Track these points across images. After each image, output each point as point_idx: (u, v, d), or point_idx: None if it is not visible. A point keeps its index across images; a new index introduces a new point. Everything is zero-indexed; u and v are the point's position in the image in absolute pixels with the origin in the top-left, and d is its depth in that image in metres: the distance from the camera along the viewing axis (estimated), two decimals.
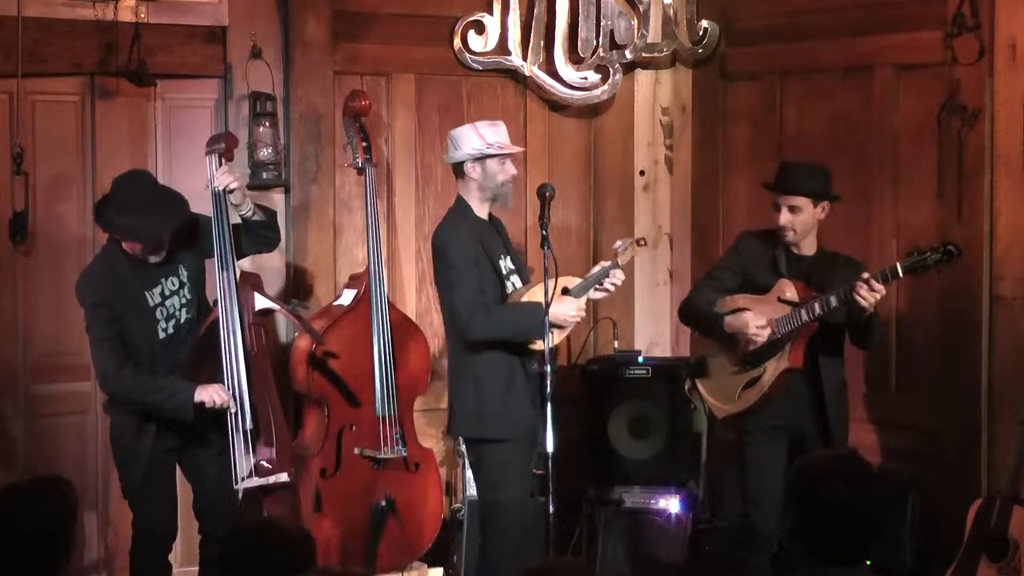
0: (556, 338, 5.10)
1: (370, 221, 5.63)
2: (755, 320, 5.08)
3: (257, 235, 5.19)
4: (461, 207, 5.17)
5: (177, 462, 5.12)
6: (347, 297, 5.57)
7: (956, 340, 5.54)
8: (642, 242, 5.36)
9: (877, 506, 3.19)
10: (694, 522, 5.90)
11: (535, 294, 4.98)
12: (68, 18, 5.51)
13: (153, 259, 4.96)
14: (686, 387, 5.89)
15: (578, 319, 5.11)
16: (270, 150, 5.80)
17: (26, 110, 5.52)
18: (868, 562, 3.24)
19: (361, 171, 5.68)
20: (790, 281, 5.09)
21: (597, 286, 5.14)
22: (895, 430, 5.83)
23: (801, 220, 5.08)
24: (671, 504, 5.91)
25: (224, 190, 5.03)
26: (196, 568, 5.30)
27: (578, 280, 5.16)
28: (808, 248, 5.17)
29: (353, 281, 5.64)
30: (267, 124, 5.78)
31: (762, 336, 5.06)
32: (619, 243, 5.24)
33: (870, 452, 5.73)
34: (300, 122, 5.90)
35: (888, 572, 5.39)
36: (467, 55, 6.27)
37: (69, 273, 5.64)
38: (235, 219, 5.14)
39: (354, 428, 5.46)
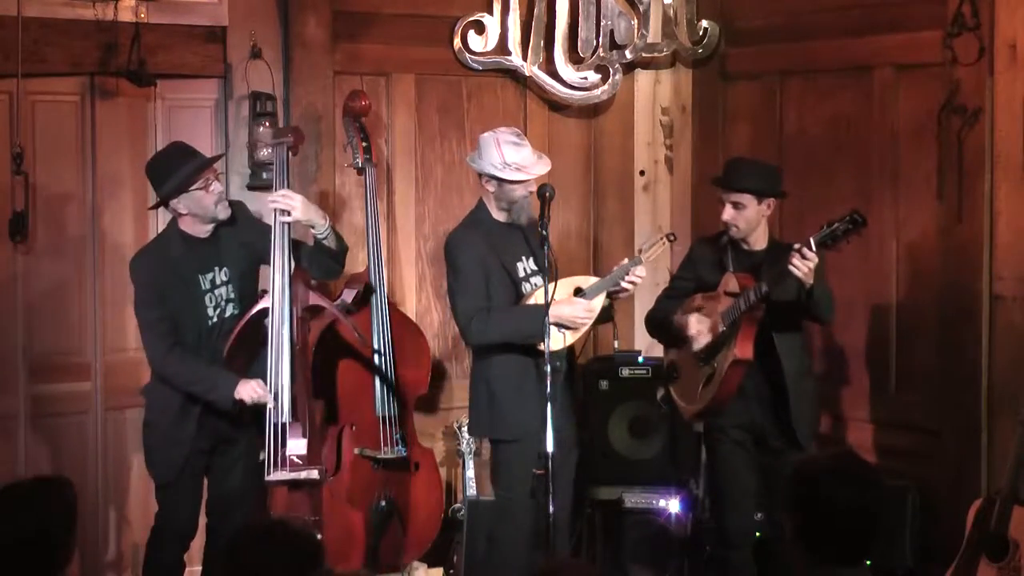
0: (569, 339, 5.10)
1: (370, 221, 5.63)
2: (696, 322, 5.11)
3: (318, 258, 5.14)
4: (479, 211, 5.19)
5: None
6: (347, 297, 5.57)
7: (956, 340, 5.54)
8: (672, 237, 5.35)
9: (877, 506, 3.19)
10: (694, 522, 5.89)
11: (542, 296, 4.98)
12: (68, 18, 5.51)
13: (222, 215, 4.97)
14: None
15: (588, 320, 5.11)
16: (270, 150, 5.79)
17: (26, 110, 5.52)
18: (868, 562, 3.25)
19: (361, 171, 5.69)
20: (734, 274, 5.10)
21: (616, 284, 5.12)
22: (895, 430, 5.82)
23: (745, 216, 5.10)
24: (671, 504, 5.91)
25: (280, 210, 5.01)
26: (199, 568, 5.30)
27: (594, 279, 5.16)
28: (758, 243, 5.18)
29: (353, 281, 5.64)
30: (267, 124, 5.78)
31: (700, 339, 5.08)
32: (645, 243, 5.26)
33: (870, 452, 5.74)
34: (300, 122, 5.88)
35: (888, 572, 5.40)
36: (467, 55, 6.27)
37: (69, 273, 5.65)
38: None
39: (354, 428, 5.46)
